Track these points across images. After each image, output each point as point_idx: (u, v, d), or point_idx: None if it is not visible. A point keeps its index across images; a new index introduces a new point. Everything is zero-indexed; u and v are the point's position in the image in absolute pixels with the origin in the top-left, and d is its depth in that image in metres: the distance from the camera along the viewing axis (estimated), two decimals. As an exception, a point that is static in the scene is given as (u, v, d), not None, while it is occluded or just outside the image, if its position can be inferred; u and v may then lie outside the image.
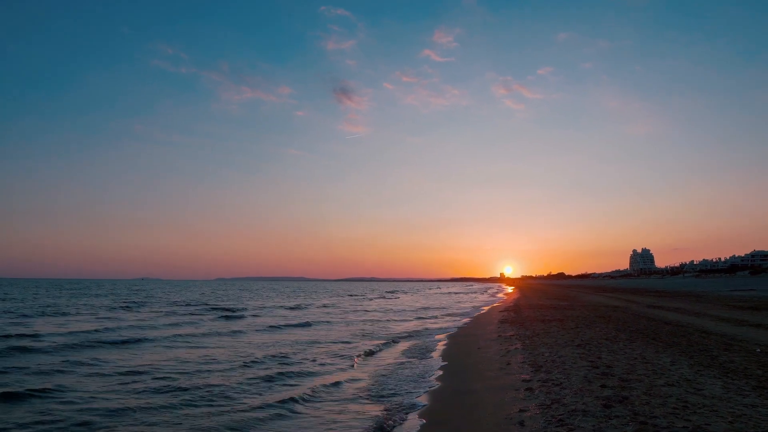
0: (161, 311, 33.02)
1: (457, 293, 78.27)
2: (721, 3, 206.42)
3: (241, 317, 29.29)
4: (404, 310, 36.56)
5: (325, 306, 42.41)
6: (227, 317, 28.71)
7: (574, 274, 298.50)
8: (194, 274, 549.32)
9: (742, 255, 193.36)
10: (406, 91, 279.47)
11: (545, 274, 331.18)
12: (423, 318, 28.60)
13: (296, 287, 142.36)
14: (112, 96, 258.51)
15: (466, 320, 25.62)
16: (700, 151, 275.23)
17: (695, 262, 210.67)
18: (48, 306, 37.24)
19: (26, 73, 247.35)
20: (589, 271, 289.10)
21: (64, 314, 29.88)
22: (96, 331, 19.92)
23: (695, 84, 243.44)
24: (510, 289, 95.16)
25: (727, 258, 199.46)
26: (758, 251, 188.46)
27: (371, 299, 58.72)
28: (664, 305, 30.19)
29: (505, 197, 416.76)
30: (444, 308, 38.52)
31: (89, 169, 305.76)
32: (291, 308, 38.19)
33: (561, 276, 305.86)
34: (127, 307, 36.81)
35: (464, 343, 15.92)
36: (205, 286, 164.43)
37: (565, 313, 24.30)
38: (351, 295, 68.24)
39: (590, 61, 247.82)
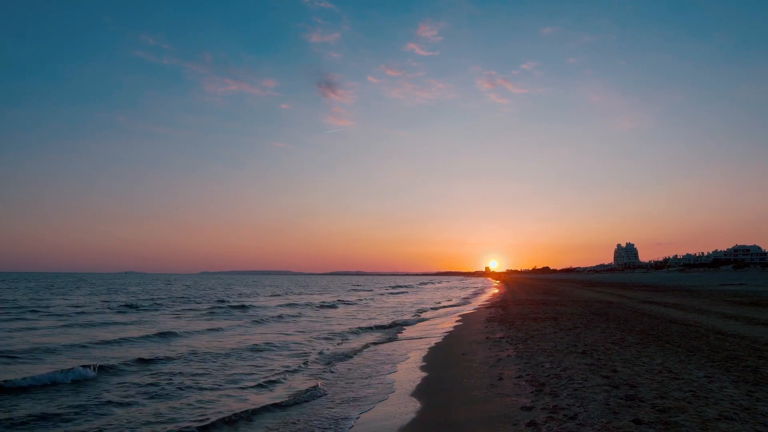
0: (197, 310, 29.09)
1: (452, 288, 75.92)
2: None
3: (297, 316, 26.14)
4: (420, 309, 33.94)
5: (352, 303, 38.38)
6: (280, 318, 25.15)
7: (558, 269, 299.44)
8: (179, 268, 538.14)
9: (725, 249, 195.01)
10: (391, 85, 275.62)
11: (530, 269, 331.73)
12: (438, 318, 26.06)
13: (290, 281, 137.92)
14: (93, 87, 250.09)
15: (459, 318, 23.48)
16: (683, 146, 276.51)
17: (679, 257, 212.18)
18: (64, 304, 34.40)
19: (5, 65, 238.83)
20: (573, 266, 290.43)
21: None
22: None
23: (679, 79, 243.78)
24: (496, 284, 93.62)
25: (710, 253, 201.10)
26: (740, 246, 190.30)
27: (391, 295, 55.73)
28: (660, 300, 28.47)
29: (490, 191, 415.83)
30: (449, 306, 36.18)
31: (71, 161, 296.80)
32: (326, 306, 34.23)
33: (546, 270, 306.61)
34: (149, 306, 31.68)
35: (449, 346, 13.72)
36: (192, 279, 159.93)
37: (557, 309, 22.31)
38: (367, 290, 65.04)
39: (575, 55, 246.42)
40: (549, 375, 7.92)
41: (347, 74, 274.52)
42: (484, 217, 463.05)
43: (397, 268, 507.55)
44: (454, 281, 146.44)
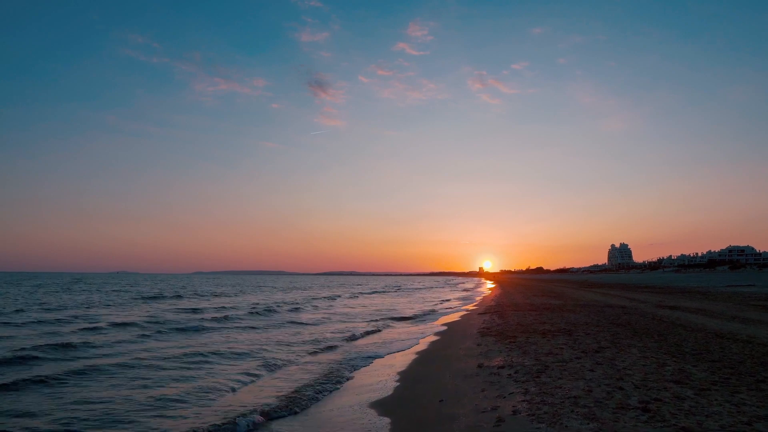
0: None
1: (468, 289, 71.24)
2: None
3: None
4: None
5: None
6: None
7: (552, 269, 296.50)
8: (171, 268, 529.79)
9: (719, 250, 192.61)
10: (382, 85, 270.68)
11: (524, 269, 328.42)
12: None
13: (292, 282, 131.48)
14: (82, 86, 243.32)
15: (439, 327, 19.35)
16: (674, 147, 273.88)
17: (673, 257, 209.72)
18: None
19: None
20: (567, 266, 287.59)
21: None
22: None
23: (669, 80, 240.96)
24: (490, 284, 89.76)
25: (704, 253, 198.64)
26: (734, 246, 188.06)
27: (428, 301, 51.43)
28: (678, 305, 24.55)
29: (483, 191, 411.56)
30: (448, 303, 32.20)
31: (61, 161, 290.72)
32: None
33: (540, 270, 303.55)
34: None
35: (421, 380, 9.56)
36: (189, 279, 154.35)
37: (566, 317, 18.26)
38: (393, 291, 59.11)
39: (565, 56, 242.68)
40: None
41: (338, 74, 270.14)
42: (476, 218, 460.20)
43: (391, 268, 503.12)
44: (469, 282, 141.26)
